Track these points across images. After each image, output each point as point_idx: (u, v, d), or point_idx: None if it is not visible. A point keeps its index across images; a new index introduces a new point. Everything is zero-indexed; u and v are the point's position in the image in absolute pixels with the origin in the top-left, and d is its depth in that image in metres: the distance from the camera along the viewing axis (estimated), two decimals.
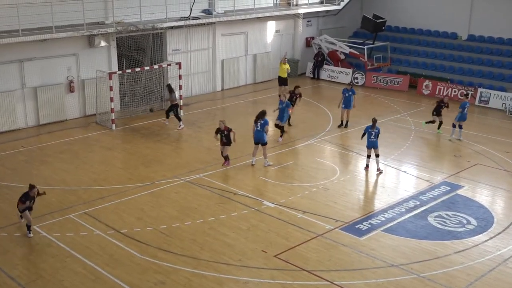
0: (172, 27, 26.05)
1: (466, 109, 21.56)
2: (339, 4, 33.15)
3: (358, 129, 22.20)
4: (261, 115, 18.50)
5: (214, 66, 28.68)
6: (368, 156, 18.53)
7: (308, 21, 33.01)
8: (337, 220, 15.08)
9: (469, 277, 12.58)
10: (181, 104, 24.51)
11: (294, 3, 32.20)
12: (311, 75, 32.40)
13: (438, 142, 21.88)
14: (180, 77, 24.55)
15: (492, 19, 29.87)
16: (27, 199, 13.82)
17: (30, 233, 13.97)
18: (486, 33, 30.27)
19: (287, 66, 26.83)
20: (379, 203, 16.41)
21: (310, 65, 32.59)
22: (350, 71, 31.22)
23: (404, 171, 18.85)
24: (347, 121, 23.14)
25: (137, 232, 14.29)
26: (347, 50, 31.70)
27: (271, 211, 15.60)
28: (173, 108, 22.70)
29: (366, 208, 16.12)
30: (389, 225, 14.93)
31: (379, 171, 18.33)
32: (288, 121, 22.64)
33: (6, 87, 21.70)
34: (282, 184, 17.47)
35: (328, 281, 12.31)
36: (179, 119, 22.78)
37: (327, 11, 33.51)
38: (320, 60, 32.01)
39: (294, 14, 31.95)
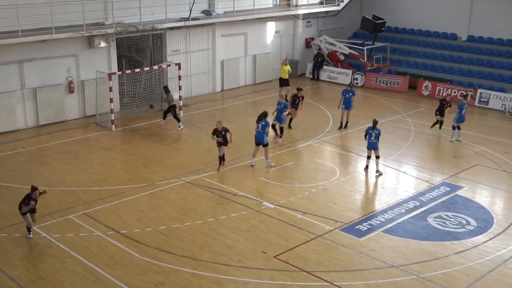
0: (171, 28, 26.05)
1: (464, 110, 21.55)
2: (338, 5, 33.14)
3: (357, 130, 22.22)
4: (262, 116, 18.51)
5: (214, 66, 28.67)
6: (368, 157, 18.52)
7: (307, 22, 33.00)
8: (337, 221, 15.07)
9: (468, 278, 12.58)
10: (181, 104, 24.53)
11: (294, 4, 32.22)
12: (311, 76, 32.38)
13: (438, 143, 21.87)
14: (179, 77, 24.58)
15: (492, 20, 29.87)
16: (30, 201, 13.80)
17: (30, 234, 13.97)
18: (485, 34, 30.27)
19: (288, 67, 26.84)
20: (379, 204, 16.42)
21: (309, 66, 32.58)
22: (349, 72, 31.21)
23: (404, 172, 18.85)
24: (347, 122, 23.12)
25: (137, 233, 14.29)
26: (347, 51, 31.70)
27: (271, 211, 15.59)
28: (171, 110, 22.65)
29: (365, 209, 16.12)
30: (388, 226, 14.93)
31: (378, 173, 18.29)
32: (289, 123, 22.64)
33: (6, 88, 21.70)
34: (281, 184, 17.46)
35: (328, 282, 12.31)
36: (178, 120, 22.73)
37: (326, 12, 33.51)
38: (319, 61, 31.99)
39: (293, 15, 31.95)
